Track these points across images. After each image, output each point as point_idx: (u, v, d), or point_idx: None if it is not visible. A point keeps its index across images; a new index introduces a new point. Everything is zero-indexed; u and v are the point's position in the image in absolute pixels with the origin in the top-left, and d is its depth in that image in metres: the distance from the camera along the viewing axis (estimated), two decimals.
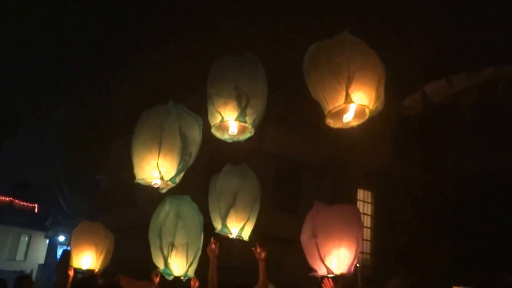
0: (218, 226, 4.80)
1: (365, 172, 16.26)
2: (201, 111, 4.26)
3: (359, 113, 3.50)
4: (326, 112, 3.42)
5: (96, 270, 6.13)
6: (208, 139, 14.46)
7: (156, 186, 4.01)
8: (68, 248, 6.06)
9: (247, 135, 4.04)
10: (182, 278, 4.93)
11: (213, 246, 4.73)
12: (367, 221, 16.60)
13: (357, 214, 4.61)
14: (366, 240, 16.32)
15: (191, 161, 4.03)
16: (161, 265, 4.90)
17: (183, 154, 3.92)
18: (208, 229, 4.99)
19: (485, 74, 5.02)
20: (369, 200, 16.82)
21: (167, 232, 4.75)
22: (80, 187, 25.13)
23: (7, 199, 36.19)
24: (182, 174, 4.04)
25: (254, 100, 3.79)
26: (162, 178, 3.89)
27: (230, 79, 3.77)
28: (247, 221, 4.69)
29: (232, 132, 3.96)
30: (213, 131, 3.91)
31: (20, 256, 35.03)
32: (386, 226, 16.36)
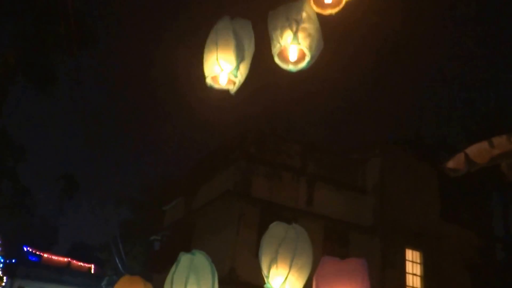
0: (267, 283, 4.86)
1: (414, 232, 16.03)
2: None
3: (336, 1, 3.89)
4: None
5: None
6: (259, 202, 14.54)
7: (224, 84, 4.33)
8: None
9: (306, 61, 4.31)
10: None
11: None
12: (416, 282, 16.21)
13: (363, 267, 4.53)
14: None
15: (246, 57, 4.38)
16: None
17: (239, 50, 4.32)
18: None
19: None
20: (418, 261, 16.45)
21: (178, 285, 4.61)
22: (135, 247, 25.52)
23: (66, 260, 36.92)
24: (244, 73, 4.37)
25: (305, 24, 4.22)
26: (222, 71, 4.29)
27: (284, 15, 4.23)
28: (289, 273, 4.71)
29: (291, 59, 4.29)
30: (276, 60, 4.31)
31: None
32: (435, 286, 15.89)
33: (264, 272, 4.84)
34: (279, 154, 16.06)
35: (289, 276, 4.73)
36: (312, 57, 4.22)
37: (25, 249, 35.75)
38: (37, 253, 36.07)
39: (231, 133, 18.50)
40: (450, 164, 5.87)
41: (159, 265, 18.42)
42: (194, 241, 16.64)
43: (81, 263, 37.21)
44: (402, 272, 15.96)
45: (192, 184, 18.98)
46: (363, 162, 17.17)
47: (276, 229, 5.16)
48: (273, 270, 4.82)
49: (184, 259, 5.05)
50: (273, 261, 4.82)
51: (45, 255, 36.24)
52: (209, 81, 4.41)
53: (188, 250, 5.17)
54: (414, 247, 16.47)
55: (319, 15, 4.04)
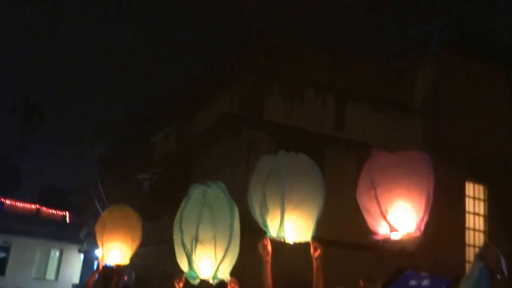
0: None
1: (476, 161, 15.85)
2: None
3: None
4: None
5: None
6: (273, 127, 14.46)
7: None
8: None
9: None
10: (211, 281, 4.79)
11: (265, 242, 4.65)
12: (479, 222, 16.20)
13: (426, 160, 4.52)
14: (478, 247, 15.98)
15: None
16: (185, 267, 4.83)
17: None
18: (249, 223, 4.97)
19: None
20: (482, 197, 16.40)
21: (188, 223, 4.78)
22: (119, 189, 25.77)
23: (33, 206, 37.54)
24: None
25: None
26: None
27: None
28: (282, 218, 4.63)
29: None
30: None
31: (50, 275, 36.21)
32: (502, 228, 15.92)
33: (259, 221, 4.73)
34: (299, 65, 15.65)
35: (286, 217, 4.62)
36: None
37: None
38: None
39: (236, 40, 18.11)
40: None
41: (150, 210, 18.59)
42: (193, 179, 16.62)
43: (53, 211, 37.95)
44: (461, 211, 15.92)
45: (187, 107, 18.80)
46: (409, 71, 16.74)
47: (261, 165, 5.00)
48: (269, 217, 4.71)
49: (197, 192, 4.95)
50: (262, 205, 4.71)
51: (8, 202, 36.93)
52: None
53: (186, 190, 5.06)
54: (476, 180, 16.39)
55: None
